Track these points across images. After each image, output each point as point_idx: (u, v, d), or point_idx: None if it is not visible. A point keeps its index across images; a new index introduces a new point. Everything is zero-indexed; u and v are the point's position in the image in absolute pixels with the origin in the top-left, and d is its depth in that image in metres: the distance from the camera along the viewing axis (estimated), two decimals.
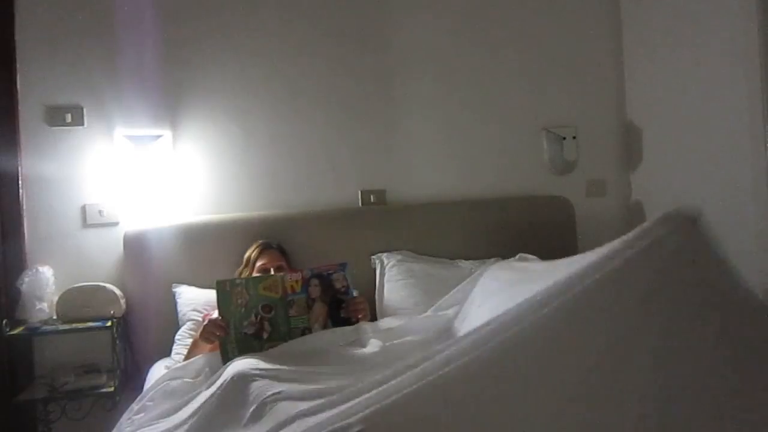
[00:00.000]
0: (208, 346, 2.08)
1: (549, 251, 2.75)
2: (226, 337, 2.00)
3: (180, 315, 2.48)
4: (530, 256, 2.59)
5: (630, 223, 3.26)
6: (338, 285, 2.12)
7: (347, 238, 2.75)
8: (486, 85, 3.12)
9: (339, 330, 2.04)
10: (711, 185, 2.75)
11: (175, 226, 2.63)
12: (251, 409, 1.50)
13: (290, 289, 2.07)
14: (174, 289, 2.54)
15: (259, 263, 2.41)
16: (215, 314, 2.17)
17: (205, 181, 2.79)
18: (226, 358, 1.95)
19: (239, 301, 2.02)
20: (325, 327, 2.07)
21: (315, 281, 2.10)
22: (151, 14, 2.68)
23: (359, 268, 2.63)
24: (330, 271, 2.12)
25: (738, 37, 2.54)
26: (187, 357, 2.17)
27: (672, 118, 2.97)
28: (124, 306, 2.51)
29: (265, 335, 2.01)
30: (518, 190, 3.11)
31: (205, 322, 2.08)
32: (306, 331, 2.05)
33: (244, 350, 1.96)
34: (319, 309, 2.08)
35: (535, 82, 3.17)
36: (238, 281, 2.09)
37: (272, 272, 2.31)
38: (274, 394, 1.50)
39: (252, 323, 2.01)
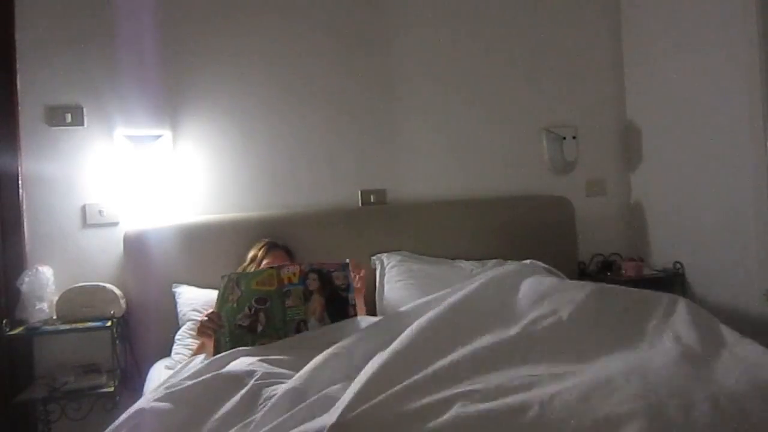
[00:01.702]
0: (212, 347, 2.06)
1: (549, 251, 2.77)
2: (220, 330, 1.99)
3: (180, 315, 2.48)
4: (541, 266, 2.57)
5: (630, 223, 3.27)
6: (338, 282, 2.11)
7: (347, 238, 2.75)
8: (486, 85, 3.12)
9: (335, 326, 2.02)
10: (711, 185, 2.75)
11: (175, 226, 2.63)
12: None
13: (287, 279, 2.05)
14: (174, 289, 2.54)
15: (265, 262, 2.39)
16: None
17: (205, 181, 2.79)
18: (218, 352, 1.93)
19: (231, 297, 2.01)
20: (321, 321, 2.05)
21: (314, 275, 2.08)
22: (151, 14, 2.68)
23: None
24: (331, 269, 2.11)
25: (738, 38, 2.54)
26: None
27: (672, 118, 2.97)
28: (124, 306, 2.51)
29: (259, 328, 1.99)
30: (518, 190, 3.12)
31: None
32: (301, 323, 2.02)
33: (236, 345, 1.94)
34: (317, 301, 2.05)
35: (535, 82, 3.17)
36: (233, 275, 2.07)
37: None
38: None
39: (246, 315, 2.00)
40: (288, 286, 2.05)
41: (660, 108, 3.06)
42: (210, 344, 2.04)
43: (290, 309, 2.03)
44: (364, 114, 2.97)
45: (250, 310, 2.00)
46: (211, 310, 2.06)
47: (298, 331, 2.01)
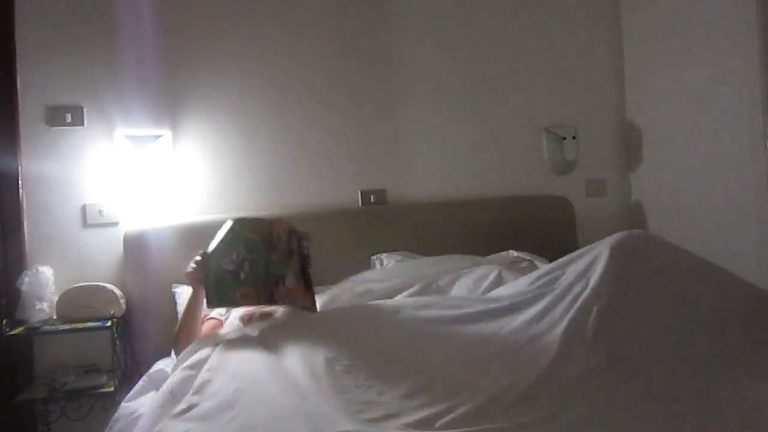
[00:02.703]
0: (202, 295, 2.03)
1: (549, 251, 2.76)
2: (207, 273, 1.97)
3: (180, 316, 2.47)
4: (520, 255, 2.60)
5: (630, 223, 3.27)
6: (305, 251, 2.11)
7: (347, 238, 2.75)
8: (486, 85, 3.12)
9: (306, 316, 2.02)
10: (711, 185, 2.75)
11: (175, 226, 2.63)
12: None
13: (276, 234, 2.05)
14: (174, 290, 2.54)
15: None
16: (212, 312, 2.17)
17: (205, 181, 2.79)
18: (209, 300, 1.95)
19: (223, 238, 2.01)
20: (297, 279, 2.05)
21: (295, 238, 2.09)
22: (151, 14, 2.68)
23: (359, 268, 2.63)
24: (301, 237, 2.11)
25: (738, 38, 2.54)
26: (180, 325, 2.13)
27: (672, 118, 2.97)
28: (124, 306, 2.51)
29: (242, 275, 1.98)
30: (518, 190, 3.11)
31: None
32: (279, 279, 2.02)
33: (220, 290, 1.95)
34: (296, 261, 2.07)
35: (535, 82, 3.17)
36: (232, 220, 2.07)
37: None
38: None
39: (232, 260, 1.99)
40: (275, 239, 2.05)
41: (660, 108, 3.06)
42: (200, 292, 2.02)
43: (273, 264, 2.02)
44: (364, 114, 2.97)
45: (237, 255, 2.00)
46: (201, 251, 2.05)
47: (276, 285, 2.01)
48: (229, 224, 2.04)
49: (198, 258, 2.03)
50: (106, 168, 2.66)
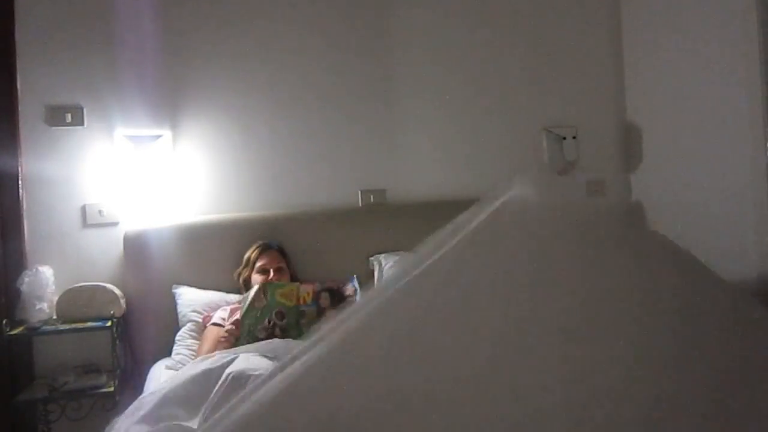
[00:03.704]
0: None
1: None
2: (240, 340, 2.09)
3: (180, 316, 2.48)
4: None
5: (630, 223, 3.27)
6: (348, 293, 2.25)
7: (347, 238, 2.75)
8: (486, 84, 3.12)
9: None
10: (711, 185, 2.75)
11: (175, 226, 2.63)
12: None
13: (302, 300, 2.19)
14: (174, 290, 2.54)
15: (258, 263, 2.43)
16: (215, 315, 2.22)
17: (205, 181, 2.78)
18: None
19: (257, 304, 2.13)
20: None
21: (325, 294, 2.25)
22: (151, 14, 2.68)
23: (358, 268, 2.64)
24: (340, 285, 2.29)
25: (738, 37, 2.54)
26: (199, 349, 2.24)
27: (672, 118, 2.96)
28: (124, 306, 2.51)
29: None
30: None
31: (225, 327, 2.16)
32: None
33: None
34: (330, 313, 2.17)
35: (535, 82, 3.17)
36: (263, 285, 2.21)
37: (272, 273, 2.36)
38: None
39: (265, 327, 2.11)
40: (304, 306, 2.19)
41: (660, 108, 3.06)
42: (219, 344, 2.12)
43: (304, 326, 2.16)
44: (364, 114, 2.97)
45: (269, 322, 2.12)
46: (235, 318, 2.16)
47: None
48: (257, 288, 2.19)
49: (232, 327, 2.14)
50: (106, 168, 2.66)
